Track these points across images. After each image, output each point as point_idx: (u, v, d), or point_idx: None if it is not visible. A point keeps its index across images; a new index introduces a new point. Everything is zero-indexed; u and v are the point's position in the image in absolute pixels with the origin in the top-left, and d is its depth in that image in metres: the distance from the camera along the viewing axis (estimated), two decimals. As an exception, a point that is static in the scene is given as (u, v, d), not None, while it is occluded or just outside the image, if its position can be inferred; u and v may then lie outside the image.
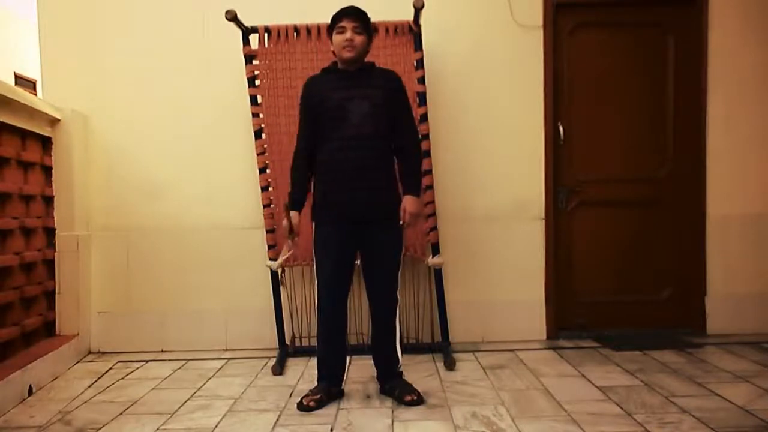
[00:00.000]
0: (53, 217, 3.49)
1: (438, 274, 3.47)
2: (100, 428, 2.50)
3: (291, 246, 2.90)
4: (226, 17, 3.23)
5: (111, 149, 3.71)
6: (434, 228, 3.41)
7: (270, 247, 3.43)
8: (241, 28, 3.36)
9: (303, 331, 3.59)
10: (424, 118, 3.34)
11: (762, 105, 3.74)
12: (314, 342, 2.93)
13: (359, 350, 3.28)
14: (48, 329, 3.43)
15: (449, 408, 2.61)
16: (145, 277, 3.69)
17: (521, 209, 3.72)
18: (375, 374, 2.85)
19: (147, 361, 3.48)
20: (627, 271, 3.81)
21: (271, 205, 3.43)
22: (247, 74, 3.40)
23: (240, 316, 3.69)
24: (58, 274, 3.49)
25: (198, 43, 3.67)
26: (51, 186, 3.49)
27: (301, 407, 2.62)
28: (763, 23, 3.73)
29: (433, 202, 3.40)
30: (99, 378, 3.19)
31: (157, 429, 2.47)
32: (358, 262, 2.76)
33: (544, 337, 3.73)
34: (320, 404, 2.64)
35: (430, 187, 3.39)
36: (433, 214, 3.41)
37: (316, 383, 2.76)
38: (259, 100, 3.41)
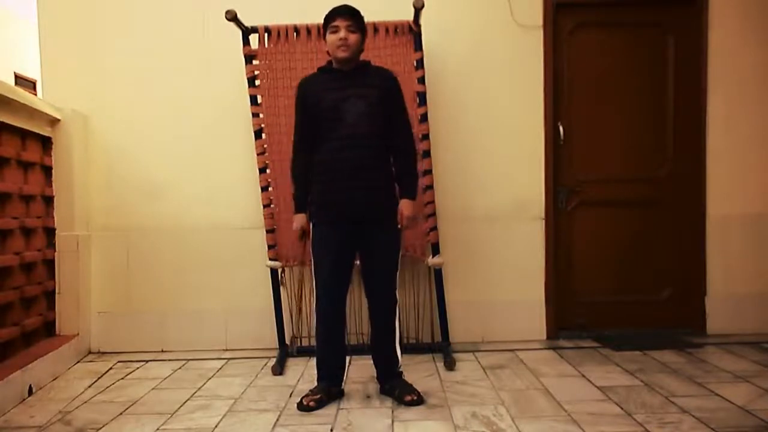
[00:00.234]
0: (53, 217, 3.49)
1: (438, 274, 3.47)
2: (100, 428, 2.50)
3: (305, 247, 2.89)
4: (226, 17, 3.22)
5: (111, 149, 3.71)
6: (434, 228, 3.41)
7: (270, 247, 3.43)
8: (241, 28, 3.36)
9: (303, 331, 3.59)
10: (424, 118, 3.34)
11: (762, 105, 3.74)
12: (314, 342, 2.92)
13: (359, 350, 3.28)
14: (48, 329, 3.43)
15: (449, 408, 2.61)
16: (145, 277, 3.69)
17: (521, 209, 3.72)
18: (375, 374, 2.85)
19: (147, 361, 3.48)
20: (627, 271, 3.81)
21: (271, 205, 3.43)
22: (247, 74, 3.40)
23: (240, 316, 3.69)
24: (58, 274, 3.49)
25: (198, 43, 3.67)
26: (51, 186, 3.49)
27: (301, 407, 2.62)
28: (763, 23, 3.73)
29: (433, 202, 3.40)
30: (99, 378, 3.19)
31: (157, 429, 2.47)
32: (358, 261, 2.76)
33: (544, 337, 3.73)
34: (320, 404, 2.64)
35: (430, 187, 3.39)
36: (433, 214, 3.41)
37: (316, 383, 2.76)
38: (259, 100, 3.41)
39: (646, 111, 3.80)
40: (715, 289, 3.78)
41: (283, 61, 3.38)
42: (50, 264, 3.45)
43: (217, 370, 3.28)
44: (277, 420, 2.53)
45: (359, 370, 3.13)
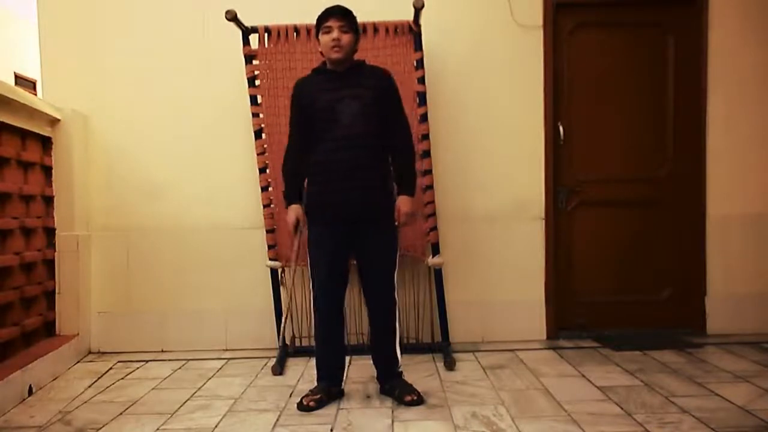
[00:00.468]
0: (53, 217, 3.49)
1: (438, 274, 3.47)
2: (100, 428, 2.50)
3: (299, 241, 2.85)
4: (226, 17, 3.23)
5: (111, 149, 3.71)
6: (434, 228, 3.41)
7: (270, 247, 3.43)
8: (241, 28, 3.36)
9: (303, 331, 3.59)
10: (424, 118, 3.34)
11: (762, 105, 3.74)
12: (314, 342, 2.92)
13: (359, 350, 3.28)
14: (48, 329, 3.43)
15: (449, 408, 2.61)
16: (145, 277, 3.69)
17: (521, 209, 3.72)
18: (375, 374, 2.84)
19: (147, 361, 3.48)
20: (627, 271, 3.81)
21: (271, 205, 3.43)
22: (247, 74, 3.40)
23: (240, 316, 3.69)
24: (58, 274, 3.49)
25: (198, 43, 3.67)
26: (51, 186, 3.49)
27: (301, 407, 2.62)
28: (763, 23, 3.73)
29: (433, 202, 3.40)
30: (99, 378, 3.19)
31: (157, 429, 2.47)
32: (356, 262, 2.76)
33: (544, 337, 3.73)
34: (320, 404, 2.64)
35: (430, 187, 3.39)
36: (433, 214, 3.41)
37: (315, 383, 2.76)
38: (259, 100, 3.41)
39: (646, 111, 3.80)
40: (715, 289, 3.78)
41: (283, 61, 3.38)
42: (50, 264, 3.45)
43: (217, 370, 3.28)
44: (277, 420, 2.53)
45: (359, 370, 3.13)
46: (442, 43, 3.62)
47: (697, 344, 3.55)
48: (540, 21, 3.68)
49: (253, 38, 3.40)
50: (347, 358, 2.96)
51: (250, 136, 3.43)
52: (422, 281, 3.59)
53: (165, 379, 3.15)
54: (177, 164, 3.69)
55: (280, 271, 3.48)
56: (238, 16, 3.27)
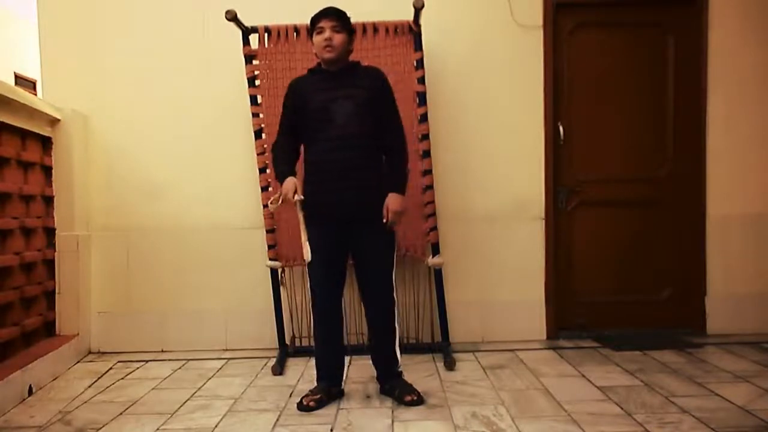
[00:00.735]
0: (53, 217, 3.49)
1: (438, 274, 3.47)
2: (100, 428, 2.50)
3: (306, 232, 2.67)
4: (226, 17, 3.22)
5: (111, 149, 3.71)
6: (434, 228, 3.41)
7: (270, 247, 3.43)
8: (241, 28, 3.36)
9: (303, 331, 3.59)
10: (424, 118, 3.34)
11: (762, 105, 3.74)
12: (313, 342, 2.92)
13: (359, 350, 3.28)
14: (48, 329, 3.43)
15: (449, 408, 2.61)
16: (145, 277, 3.69)
17: (521, 209, 3.72)
18: (375, 374, 2.84)
19: (147, 361, 3.48)
20: (627, 271, 3.81)
21: (271, 205, 3.42)
22: (247, 74, 3.40)
23: (240, 316, 3.69)
24: (58, 274, 3.49)
25: (198, 43, 3.67)
26: (51, 186, 3.49)
27: (301, 407, 2.62)
28: (763, 23, 3.73)
29: (433, 202, 3.40)
30: (99, 378, 3.19)
31: (157, 429, 2.47)
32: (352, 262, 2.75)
33: (544, 337, 3.72)
34: (320, 404, 2.64)
35: (430, 187, 3.39)
36: (433, 214, 3.41)
37: (315, 383, 2.76)
38: (259, 100, 3.41)
39: (646, 111, 3.80)
40: (715, 289, 3.78)
41: (283, 61, 3.38)
42: (50, 264, 3.45)
43: (217, 370, 3.28)
44: (277, 420, 2.53)
45: (359, 370, 3.13)
46: (442, 43, 3.62)
47: (697, 344, 3.55)
48: (540, 21, 3.68)
49: (253, 38, 3.40)
50: (347, 358, 2.96)
51: (250, 136, 3.43)
52: (422, 281, 3.59)
53: (165, 379, 3.16)
54: (177, 164, 3.69)
55: (280, 271, 3.48)
56: (238, 16, 3.27)
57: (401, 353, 2.81)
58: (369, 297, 2.75)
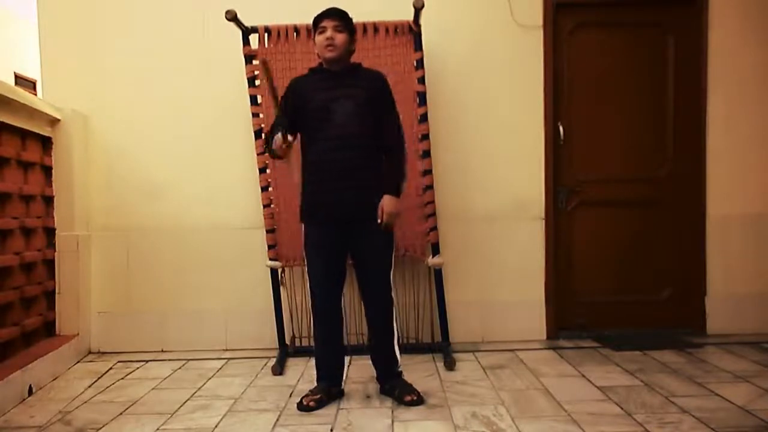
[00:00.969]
0: (53, 217, 3.49)
1: (438, 274, 3.47)
2: (100, 428, 2.50)
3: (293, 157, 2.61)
4: (226, 17, 3.22)
5: (111, 149, 3.71)
6: (434, 228, 3.41)
7: (270, 247, 3.43)
8: (241, 28, 3.36)
9: (303, 331, 3.59)
10: (424, 118, 3.34)
11: (762, 105, 3.74)
12: (313, 342, 2.92)
13: (359, 350, 3.28)
14: (48, 329, 3.43)
15: (449, 408, 2.61)
16: (145, 277, 3.69)
17: (521, 209, 3.72)
18: (375, 374, 2.84)
19: (147, 361, 3.48)
20: (627, 271, 3.81)
21: (271, 205, 3.42)
22: (247, 74, 3.40)
23: (240, 316, 3.69)
24: (58, 274, 3.49)
25: (198, 43, 3.67)
26: (51, 186, 3.49)
27: (301, 407, 2.62)
28: (763, 23, 3.73)
29: (433, 202, 3.40)
30: (99, 378, 3.19)
31: (157, 429, 2.47)
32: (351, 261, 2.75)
33: (544, 337, 3.72)
34: (320, 404, 2.64)
35: (430, 187, 3.39)
36: (433, 214, 3.41)
37: (315, 383, 2.76)
38: (259, 100, 3.41)
39: (646, 111, 3.80)
40: (715, 289, 3.78)
41: (283, 61, 3.38)
42: (50, 264, 3.45)
43: (217, 370, 3.28)
44: (277, 420, 2.53)
45: (359, 370, 3.13)
46: (442, 43, 3.62)
47: (697, 344, 3.55)
48: (540, 21, 3.68)
49: (253, 38, 3.40)
50: (347, 358, 2.96)
51: (250, 136, 3.43)
52: (422, 281, 3.59)
53: (165, 379, 3.15)
54: (177, 164, 3.69)
55: (280, 271, 3.48)
56: (238, 16, 3.26)
57: (401, 353, 2.81)
58: (368, 297, 2.75)
